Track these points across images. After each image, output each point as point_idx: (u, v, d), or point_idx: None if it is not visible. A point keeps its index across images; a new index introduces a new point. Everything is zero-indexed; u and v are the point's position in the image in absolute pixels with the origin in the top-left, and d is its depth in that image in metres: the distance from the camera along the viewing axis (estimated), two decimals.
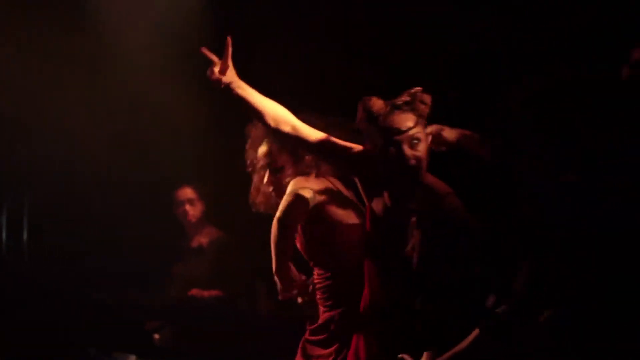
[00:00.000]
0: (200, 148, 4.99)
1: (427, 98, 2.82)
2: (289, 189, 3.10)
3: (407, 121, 2.80)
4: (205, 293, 4.89)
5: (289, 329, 4.40)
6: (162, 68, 4.90)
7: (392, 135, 2.79)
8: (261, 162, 3.26)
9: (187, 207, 5.08)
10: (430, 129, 2.93)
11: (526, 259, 2.57)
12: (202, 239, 5.09)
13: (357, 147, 2.99)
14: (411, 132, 2.79)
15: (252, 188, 3.33)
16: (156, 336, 4.79)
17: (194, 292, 4.88)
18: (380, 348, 2.91)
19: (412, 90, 2.82)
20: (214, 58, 2.92)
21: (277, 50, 4.69)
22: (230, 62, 2.92)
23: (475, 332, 2.60)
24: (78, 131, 4.99)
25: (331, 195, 3.14)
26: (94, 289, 4.84)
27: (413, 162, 2.79)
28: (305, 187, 3.09)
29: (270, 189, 3.24)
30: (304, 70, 4.49)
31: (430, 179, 2.86)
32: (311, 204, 3.06)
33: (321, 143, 2.96)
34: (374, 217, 2.94)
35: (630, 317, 2.45)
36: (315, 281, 3.17)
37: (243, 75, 2.95)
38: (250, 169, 3.34)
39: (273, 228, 3.04)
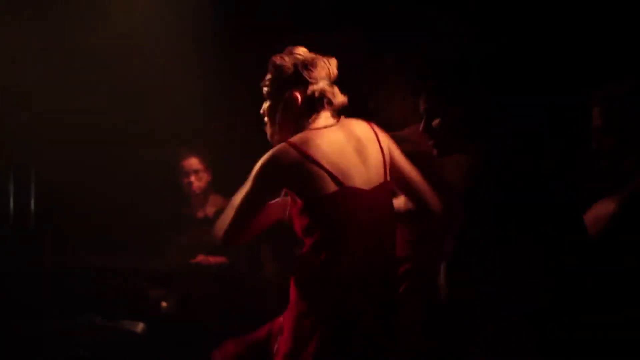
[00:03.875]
0: (208, 116, 5.01)
1: (271, 63, 2.87)
2: None
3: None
4: (211, 259, 4.93)
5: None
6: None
7: None
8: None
9: (193, 178, 5.09)
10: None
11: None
12: (207, 209, 5.11)
13: None
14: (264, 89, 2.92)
15: None
16: (163, 304, 4.83)
17: (200, 258, 4.92)
18: None
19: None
20: None
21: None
22: None
23: None
24: (83, 100, 5.03)
25: None
26: (99, 256, 4.87)
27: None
28: None
29: None
30: None
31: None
32: None
33: None
34: None
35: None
36: None
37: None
38: None
39: None
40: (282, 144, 2.78)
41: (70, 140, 5.04)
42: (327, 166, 2.74)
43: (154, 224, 5.13)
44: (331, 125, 2.84)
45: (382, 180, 2.82)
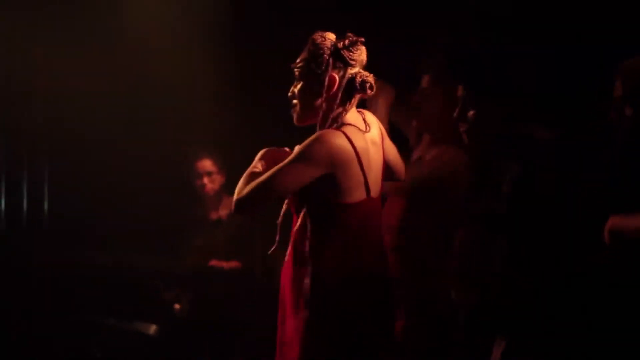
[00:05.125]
0: (221, 118, 5.00)
1: (311, 41, 2.70)
2: None
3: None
4: (225, 264, 4.91)
5: None
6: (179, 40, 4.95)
7: None
8: None
9: (206, 179, 5.06)
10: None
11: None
12: (221, 212, 5.08)
13: None
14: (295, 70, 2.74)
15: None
16: (177, 306, 4.81)
17: (213, 263, 4.91)
18: None
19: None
20: None
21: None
22: None
23: None
24: (96, 100, 5.02)
25: None
26: (112, 257, 4.87)
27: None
28: None
29: None
30: None
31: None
32: None
33: None
34: None
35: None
36: None
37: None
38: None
39: None
40: (335, 130, 2.62)
41: (84, 140, 5.04)
42: (366, 171, 2.65)
43: (168, 225, 5.12)
44: (364, 131, 2.70)
45: (379, 187, 2.76)
